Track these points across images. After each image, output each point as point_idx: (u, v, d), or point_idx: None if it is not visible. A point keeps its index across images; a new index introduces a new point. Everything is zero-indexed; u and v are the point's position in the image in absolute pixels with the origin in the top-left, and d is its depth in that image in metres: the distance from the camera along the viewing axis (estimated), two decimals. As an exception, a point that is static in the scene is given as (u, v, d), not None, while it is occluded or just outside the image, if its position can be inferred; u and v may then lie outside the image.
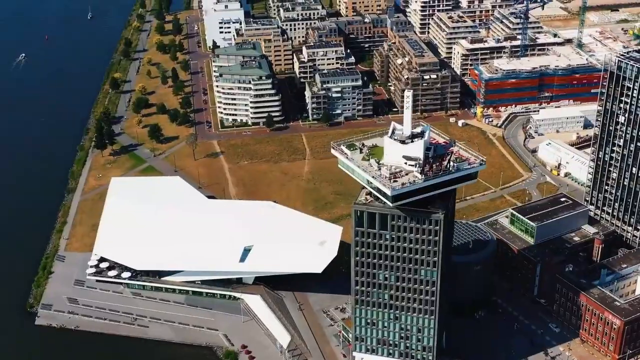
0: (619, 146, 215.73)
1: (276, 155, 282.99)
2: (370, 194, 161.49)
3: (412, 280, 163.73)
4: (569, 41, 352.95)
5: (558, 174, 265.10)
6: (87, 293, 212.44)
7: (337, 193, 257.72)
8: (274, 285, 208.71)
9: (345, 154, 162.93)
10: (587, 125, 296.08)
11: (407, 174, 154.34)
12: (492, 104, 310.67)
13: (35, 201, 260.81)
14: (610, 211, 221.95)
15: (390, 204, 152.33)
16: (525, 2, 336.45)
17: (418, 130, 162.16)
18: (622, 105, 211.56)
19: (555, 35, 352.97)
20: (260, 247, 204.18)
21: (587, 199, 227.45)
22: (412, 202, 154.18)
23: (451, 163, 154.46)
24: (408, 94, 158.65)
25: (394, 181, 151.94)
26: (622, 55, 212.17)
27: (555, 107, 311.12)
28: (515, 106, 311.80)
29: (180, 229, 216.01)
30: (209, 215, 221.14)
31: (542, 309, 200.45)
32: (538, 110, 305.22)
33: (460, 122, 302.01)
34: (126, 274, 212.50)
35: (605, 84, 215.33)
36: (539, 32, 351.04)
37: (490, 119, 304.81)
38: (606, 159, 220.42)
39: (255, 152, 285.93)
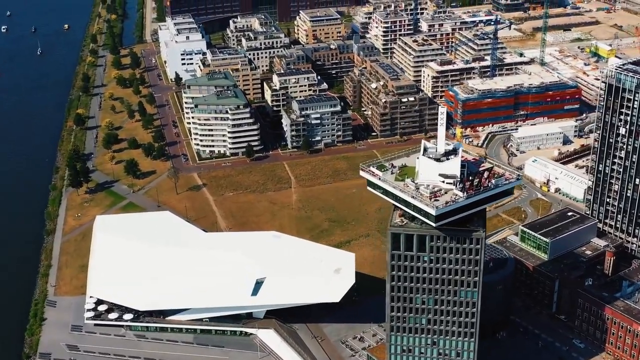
0: (621, 158, 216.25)
1: (261, 185, 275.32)
2: (403, 215, 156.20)
3: (452, 302, 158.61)
4: (532, 60, 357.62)
5: (548, 190, 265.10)
6: (86, 339, 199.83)
7: (331, 220, 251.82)
8: (285, 318, 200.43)
9: (376, 175, 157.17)
10: (565, 141, 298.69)
11: (446, 193, 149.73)
12: (469, 124, 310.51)
13: (13, 245, 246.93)
14: (613, 223, 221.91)
15: (433, 224, 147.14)
16: (494, 23, 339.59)
17: (450, 147, 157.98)
18: (622, 117, 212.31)
19: (521, 55, 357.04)
20: (273, 278, 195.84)
21: (588, 212, 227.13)
22: (451, 222, 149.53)
23: (491, 180, 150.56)
24: (442, 110, 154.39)
25: (435, 200, 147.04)
26: (620, 67, 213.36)
27: (531, 124, 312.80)
28: (492, 125, 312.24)
29: (182, 265, 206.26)
30: (211, 249, 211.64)
31: (563, 325, 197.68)
32: (517, 129, 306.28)
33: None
34: (128, 316, 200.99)
35: (603, 96, 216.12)
36: (504, 52, 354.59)
37: (470, 139, 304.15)
38: (606, 171, 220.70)
39: (238, 182, 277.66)
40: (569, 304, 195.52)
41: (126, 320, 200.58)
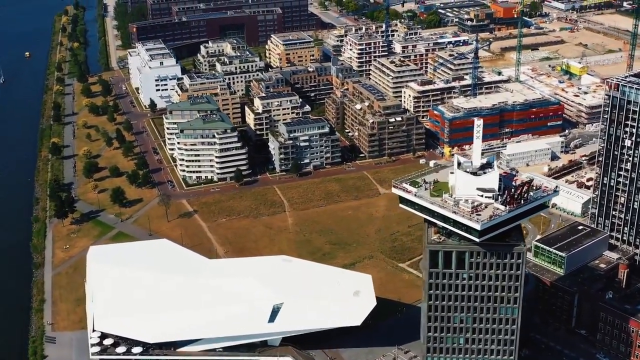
0: (627, 170, 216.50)
1: (254, 210, 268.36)
2: (439, 232, 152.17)
3: (491, 320, 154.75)
4: (509, 79, 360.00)
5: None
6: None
7: (331, 243, 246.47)
8: (301, 344, 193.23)
9: (411, 191, 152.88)
10: (553, 157, 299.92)
11: (486, 207, 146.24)
12: (456, 142, 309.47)
13: (0, 281, 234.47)
14: (619, 236, 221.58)
15: (477, 239, 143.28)
16: (475, 42, 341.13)
17: (483, 161, 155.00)
18: (627, 129, 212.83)
19: (499, 74, 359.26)
20: (290, 304, 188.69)
21: (593, 225, 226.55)
22: (491, 237, 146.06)
23: (530, 192, 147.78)
24: (479, 123, 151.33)
25: (477, 215, 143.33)
26: (623, 79, 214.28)
27: (516, 142, 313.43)
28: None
29: (190, 294, 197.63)
30: (220, 275, 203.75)
31: (583, 340, 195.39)
32: (504, 146, 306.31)
33: (431, 163, 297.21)
34: (137, 349, 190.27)
35: (607, 109, 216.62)
36: (482, 72, 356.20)
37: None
38: (612, 184, 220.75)
39: (230, 208, 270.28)
40: (590, 318, 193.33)
41: (135, 354, 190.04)
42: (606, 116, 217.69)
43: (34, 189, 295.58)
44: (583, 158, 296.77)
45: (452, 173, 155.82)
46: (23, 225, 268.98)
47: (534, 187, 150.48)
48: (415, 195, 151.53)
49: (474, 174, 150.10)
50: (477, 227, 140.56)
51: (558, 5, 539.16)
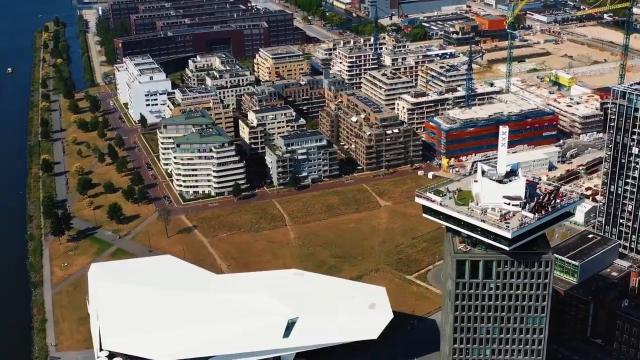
0: (634, 178, 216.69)
1: (255, 225, 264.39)
2: (464, 241, 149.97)
3: (518, 330, 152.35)
4: (501, 90, 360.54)
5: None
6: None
7: (336, 256, 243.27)
8: (314, 359, 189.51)
9: (435, 200, 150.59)
10: (550, 167, 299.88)
11: (513, 215, 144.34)
12: (453, 154, 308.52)
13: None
14: (627, 244, 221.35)
15: (506, 248, 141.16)
16: (468, 53, 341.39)
17: (508, 169, 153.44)
18: (634, 137, 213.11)
19: (491, 85, 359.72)
20: (305, 318, 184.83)
21: (600, 234, 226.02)
22: (519, 245, 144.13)
23: (557, 200, 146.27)
24: (504, 130, 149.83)
25: (506, 223, 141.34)
26: (629, 87, 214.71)
27: (512, 152, 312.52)
28: (475, 155, 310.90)
29: (201, 310, 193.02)
30: (230, 291, 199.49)
31: (600, 349, 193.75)
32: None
33: (430, 175, 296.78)
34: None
35: (614, 116, 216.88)
36: (473, 83, 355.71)
37: (457, 169, 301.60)
38: (619, 192, 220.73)
39: (231, 223, 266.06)
40: (606, 327, 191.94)
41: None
42: (612, 124, 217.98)
43: (26, 207, 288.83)
44: (580, 168, 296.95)
45: (475, 181, 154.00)
46: (17, 243, 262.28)
47: (561, 195, 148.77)
48: (440, 204, 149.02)
49: (500, 181, 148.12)
50: (508, 235, 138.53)
51: (540, 18, 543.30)
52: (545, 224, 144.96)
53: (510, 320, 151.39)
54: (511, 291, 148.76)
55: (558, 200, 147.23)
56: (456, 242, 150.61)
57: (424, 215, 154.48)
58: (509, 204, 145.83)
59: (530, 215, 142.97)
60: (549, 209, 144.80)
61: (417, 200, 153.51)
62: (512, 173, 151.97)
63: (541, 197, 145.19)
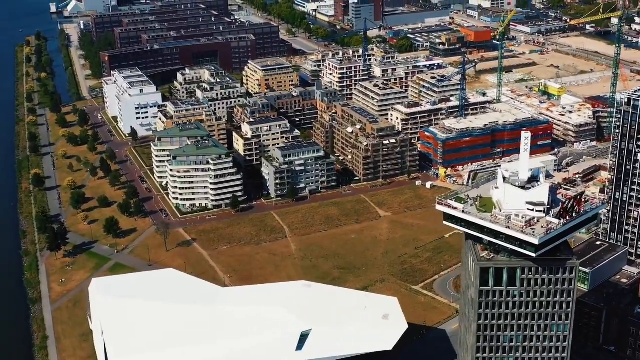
0: (639, 184, 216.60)
1: (255, 237, 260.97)
2: (486, 248, 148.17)
3: (542, 337, 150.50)
4: (493, 100, 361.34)
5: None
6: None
7: (339, 268, 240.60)
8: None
9: (457, 208, 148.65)
10: (547, 176, 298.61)
11: (538, 221, 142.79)
12: (450, 163, 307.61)
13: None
14: (633, 251, 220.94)
15: (533, 254, 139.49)
16: (462, 64, 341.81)
17: (529, 174, 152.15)
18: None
19: (484, 95, 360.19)
20: (318, 330, 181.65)
21: (608, 241, 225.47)
22: (544, 251, 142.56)
23: (582, 204, 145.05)
24: (526, 135, 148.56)
25: (532, 229, 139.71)
26: (634, 93, 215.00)
27: (508, 161, 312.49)
28: (471, 164, 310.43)
29: (211, 324, 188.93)
30: (239, 304, 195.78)
31: (613, 356, 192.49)
32: (498, 166, 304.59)
33: (428, 185, 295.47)
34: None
35: (619, 123, 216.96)
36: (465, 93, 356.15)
37: (454, 179, 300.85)
38: (624, 199, 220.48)
39: (230, 235, 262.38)
40: (619, 334, 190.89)
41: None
42: (617, 130, 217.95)
43: (19, 222, 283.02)
44: (577, 176, 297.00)
45: (496, 188, 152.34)
46: (12, 259, 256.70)
47: (585, 199, 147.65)
48: (463, 211, 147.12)
49: (523, 187, 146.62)
50: (535, 241, 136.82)
51: (524, 29, 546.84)
52: (570, 229, 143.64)
53: (534, 328, 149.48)
54: (535, 298, 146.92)
55: (583, 205, 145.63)
56: (478, 250, 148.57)
57: (445, 222, 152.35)
58: (532, 210, 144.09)
59: (556, 220, 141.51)
60: (573, 214, 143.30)
61: (438, 207, 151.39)
62: (533, 179, 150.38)
63: (566, 202, 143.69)
